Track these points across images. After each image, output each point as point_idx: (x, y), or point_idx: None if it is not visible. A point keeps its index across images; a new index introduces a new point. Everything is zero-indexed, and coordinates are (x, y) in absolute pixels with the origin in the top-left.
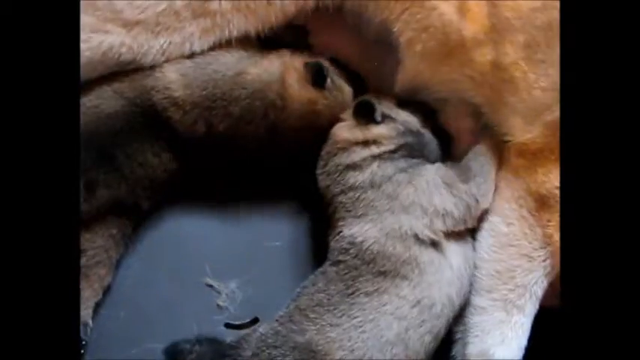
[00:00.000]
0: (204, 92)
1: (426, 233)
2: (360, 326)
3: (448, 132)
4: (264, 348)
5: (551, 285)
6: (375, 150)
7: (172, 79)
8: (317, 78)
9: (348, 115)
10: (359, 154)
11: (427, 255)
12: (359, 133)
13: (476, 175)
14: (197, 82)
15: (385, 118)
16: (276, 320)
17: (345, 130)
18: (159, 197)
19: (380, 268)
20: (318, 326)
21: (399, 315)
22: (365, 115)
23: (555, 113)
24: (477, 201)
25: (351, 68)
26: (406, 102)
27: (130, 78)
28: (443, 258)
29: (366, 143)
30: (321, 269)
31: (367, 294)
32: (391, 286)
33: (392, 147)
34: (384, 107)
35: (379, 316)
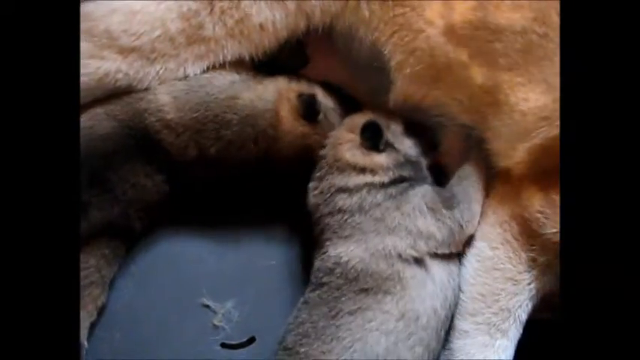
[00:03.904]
0: (195, 115)
1: (409, 252)
2: (350, 346)
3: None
4: None
5: (542, 299)
6: (369, 178)
7: (165, 101)
8: (309, 112)
9: (355, 128)
10: (353, 179)
11: (409, 271)
12: (359, 158)
13: (460, 202)
14: (189, 104)
15: (388, 146)
16: None
17: (346, 150)
18: (152, 219)
19: (362, 286)
20: (311, 359)
21: (385, 330)
22: (371, 137)
23: (534, 140)
24: (462, 227)
25: (345, 92)
26: (414, 125)
27: (122, 100)
28: (425, 273)
29: (362, 170)
30: (302, 299)
31: (351, 313)
32: (374, 302)
33: (386, 179)
34: (390, 134)
35: (366, 333)
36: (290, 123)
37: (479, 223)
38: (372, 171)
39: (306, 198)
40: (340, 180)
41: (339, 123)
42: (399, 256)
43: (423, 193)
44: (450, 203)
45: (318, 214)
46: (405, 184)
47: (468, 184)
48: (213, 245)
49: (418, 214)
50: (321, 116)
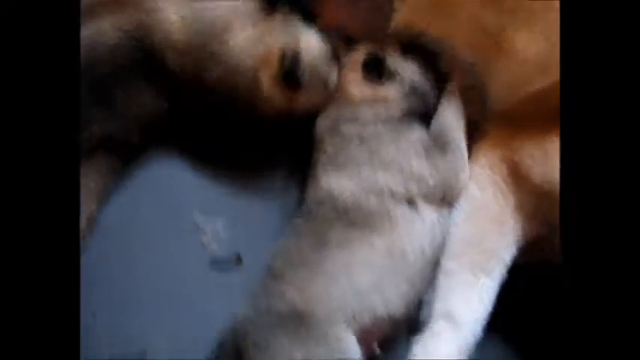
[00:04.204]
0: (194, 39)
1: (401, 191)
2: (336, 278)
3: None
4: (251, 329)
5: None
6: (381, 111)
7: (172, 20)
8: (291, 77)
9: (356, 63)
10: (364, 112)
11: (400, 209)
12: (367, 91)
13: (455, 149)
14: (193, 27)
15: (392, 76)
16: (253, 296)
17: (353, 86)
18: (150, 136)
19: (352, 220)
20: (295, 286)
21: (371, 265)
22: (373, 70)
23: (533, 86)
24: (457, 175)
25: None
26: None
27: (126, 12)
28: (415, 213)
29: (373, 102)
30: (291, 226)
31: (339, 245)
32: (362, 236)
33: (397, 113)
34: (391, 63)
35: (352, 266)
36: (270, 92)
37: (469, 164)
38: (379, 103)
39: (313, 130)
40: (349, 113)
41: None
42: (391, 193)
43: (421, 133)
44: (444, 148)
45: (320, 141)
46: (409, 117)
47: (456, 127)
48: (208, 167)
49: (413, 154)
50: (305, 78)
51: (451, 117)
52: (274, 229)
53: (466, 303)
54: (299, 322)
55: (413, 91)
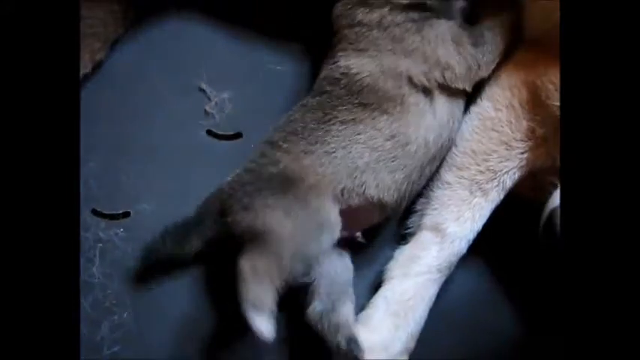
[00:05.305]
0: None
1: (421, 79)
2: (333, 152)
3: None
4: (238, 187)
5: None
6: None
7: None
8: None
9: None
10: None
11: (414, 97)
12: None
13: (486, 44)
14: None
15: None
16: (247, 161)
17: None
18: None
19: (363, 100)
20: (292, 155)
21: (371, 145)
22: None
23: None
24: (479, 66)
25: None
26: None
27: None
28: (429, 104)
29: None
30: (301, 102)
31: (343, 122)
32: (369, 117)
33: (406, 1)
34: None
35: (352, 144)
36: None
37: (489, 84)
38: None
39: (332, 9)
40: None
41: None
42: (410, 79)
43: (450, 25)
44: (476, 41)
45: (337, 25)
46: (429, 13)
47: (499, 31)
48: (225, 35)
49: (440, 43)
50: None
51: (494, 30)
52: (280, 112)
53: (456, 219)
54: (287, 186)
55: None
